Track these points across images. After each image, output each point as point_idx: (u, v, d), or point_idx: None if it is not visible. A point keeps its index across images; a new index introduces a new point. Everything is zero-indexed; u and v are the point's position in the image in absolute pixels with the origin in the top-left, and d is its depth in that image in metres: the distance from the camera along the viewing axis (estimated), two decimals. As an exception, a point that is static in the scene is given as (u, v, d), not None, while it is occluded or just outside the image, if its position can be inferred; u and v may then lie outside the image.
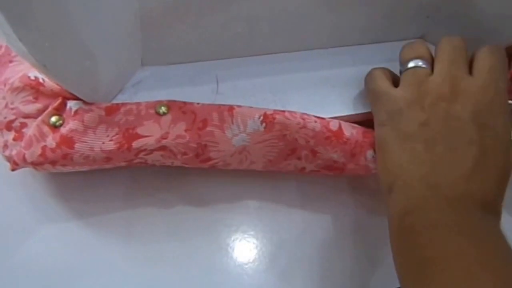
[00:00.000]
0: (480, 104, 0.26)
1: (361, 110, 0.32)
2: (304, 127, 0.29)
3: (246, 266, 0.31)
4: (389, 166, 0.27)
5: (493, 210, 0.25)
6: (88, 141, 0.27)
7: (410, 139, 0.26)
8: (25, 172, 0.31)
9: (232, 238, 0.32)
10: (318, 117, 0.30)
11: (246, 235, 0.32)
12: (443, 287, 0.21)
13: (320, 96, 0.32)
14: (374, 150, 0.30)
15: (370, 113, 0.32)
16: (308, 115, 0.29)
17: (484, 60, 0.27)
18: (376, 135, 0.29)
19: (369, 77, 0.31)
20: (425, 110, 0.27)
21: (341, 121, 0.30)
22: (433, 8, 0.35)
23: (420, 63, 0.29)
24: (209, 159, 0.29)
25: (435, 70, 0.28)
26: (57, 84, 0.28)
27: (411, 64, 0.29)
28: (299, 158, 0.31)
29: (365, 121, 0.32)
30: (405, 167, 0.26)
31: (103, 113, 0.27)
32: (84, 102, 0.27)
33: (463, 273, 0.21)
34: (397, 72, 0.31)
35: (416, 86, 0.28)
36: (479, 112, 0.26)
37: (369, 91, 0.31)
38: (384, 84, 0.29)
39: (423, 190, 0.25)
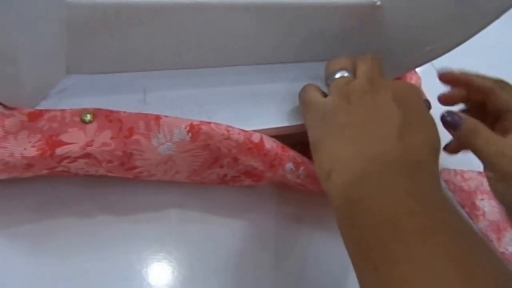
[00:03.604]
0: (398, 91, 0.31)
1: (282, 124, 0.36)
2: (228, 138, 0.32)
3: (165, 278, 0.33)
4: (325, 157, 0.30)
5: (430, 171, 0.28)
6: (8, 147, 0.28)
7: (341, 127, 0.30)
8: None
9: (152, 250, 0.34)
10: (242, 130, 0.33)
11: (166, 247, 0.35)
12: (401, 249, 0.23)
13: (245, 109, 0.36)
14: (293, 163, 0.34)
15: (290, 127, 0.36)
16: (232, 127, 0.33)
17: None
18: (310, 139, 0.33)
19: (302, 91, 0.36)
20: (351, 103, 0.31)
21: (263, 135, 0.34)
22: (347, 34, 0.41)
23: (345, 73, 0.34)
24: (134, 167, 0.32)
25: (358, 73, 0.33)
26: (-24, 88, 0.29)
27: (337, 75, 0.34)
28: (221, 166, 0.34)
29: (285, 136, 0.37)
30: (340, 151, 0.29)
31: (25, 118, 0.29)
32: (5, 107, 0.28)
33: (417, 233, 0.23)
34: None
35: (342, 89, 0.32)
36: (398, 96, 0.31)
37: (301, 103, 0.35)
38: (314, 94, 0.34)
39: (361, 162, 0.28)
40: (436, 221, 0.24)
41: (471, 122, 0.35)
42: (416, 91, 0.33)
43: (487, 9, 0.33)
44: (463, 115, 0.36)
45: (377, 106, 0.31)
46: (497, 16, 0.33)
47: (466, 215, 0.27)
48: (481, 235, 0.25)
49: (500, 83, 0.38)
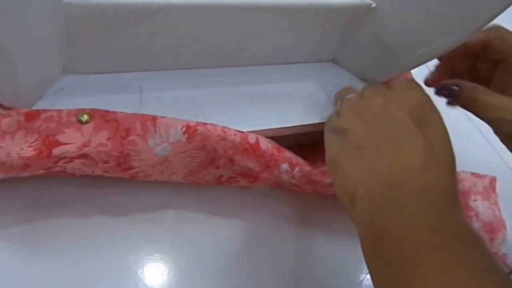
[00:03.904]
0: (412, 104, 0.30)
1: (278, 125, 0.37)
2: (224, 139, 0.32)
3: (161, 278, 0.33)
4: (345, 180, 0.29)
5: (454, 200, 0.27)
6: (5, 147, 0.28)
7: (359, 149, 0.29)
8: None
9: (149, 250, 0.34)
10: (237, 131, 0.33)
11: (162, 247, 0.35)
12: (422, 286, 0.23)
13: (241, 110, 0.36)
14: (289, 164, 0.35)
15: (286, 129, 0.37)
16: (228, 128, 0.33)
17: (398, 78, 0.34)
18: (326, 158, 0.32)
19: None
20: (366, 121, 0.30)
21: (259, 136, 0.34)
22: (342, 35, 0.41)
23: (354, 95, 0.34)
24: (131, 168, 0.32)
25: (364, 93, 0.33)
26: (-27, 88, 0.29)
27: (346, 97, 0.34)
28: (217, 167, 0.34)
29: (281, 137, 0.37)
30: (361, 175, 0.28)
31: (22, 118, 0.29)
32: (3, 107, 0.29)
33: (438, 271, 0.23)
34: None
35: (353, 107, 0.32)
36: (414, 111, 0.30)
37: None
38: (331, 115, 0.34)
39: (384, 191, 0.27)
40: (458, 257, 0.24)
41: (468, 89, 0.35)
42: (431, 104, 0.31)
43: (480, 12, 0.34)
44: (459, 83, 0.35)
45: (393, 125, 0.30)
46: (489, 20, 0.34)
47: (488, 245, 0.25)
48: (502, 269, 0.24)
49: (497, 31, 0.37)
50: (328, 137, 0.33)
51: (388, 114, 0.30)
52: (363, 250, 0.27)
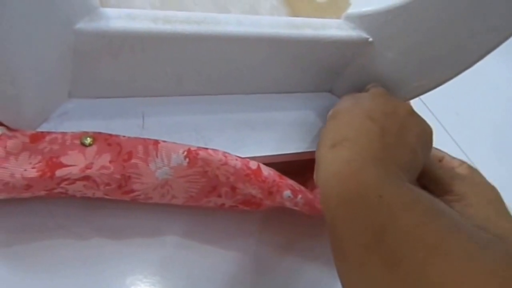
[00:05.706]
0: (423, 128, 0.35)
1: (277, 152, 0.38)
2: (226, 164, 0.33)
3: (160, 301, 0.34)
4: (343, 127, 0.33)
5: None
6: (9, 167, 0.29)
7: (371, 120, 0.33)
8: None
9: (146, 273, 0.34)
10: (238, 157, 0.34)
11: (160, 270, 0.35)
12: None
13: (241, 136, 0.37)
14: (291, 191, 0.35)
15: (285, 155, 0.38)
16: (229, 154, 0.34)
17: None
18: (334, 109, 0.37)
19: None
20: (390, 106, 0.35)
21: (260, 163, 0.35)
22: (340, 67, 0.42)
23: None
24: (132, 191, 0.32)
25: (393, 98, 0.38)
26: (-20, 109, 0.29)
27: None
28: (219, 196, 0.35)
29: (280, 163, 0.38)
30: (358, 137, 0.32)
31: (27, 140, 0.29)
32: (8, 128, 0.29)
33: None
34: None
35: (384, 95, 0.37)
36: (421, 133, 0.35)
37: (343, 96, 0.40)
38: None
39: (368, 158, 0.30)
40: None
41: None
42: (432, 134, 0.36)
43: (471, 51, 0.35)
44: None
45: (405, 125, 0.34)
46: (480, 58, 0.36)
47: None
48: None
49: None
50: (348, 98, 0.38)
51: (406, 124, 0.34)
52: (324, 180, 0.31)
